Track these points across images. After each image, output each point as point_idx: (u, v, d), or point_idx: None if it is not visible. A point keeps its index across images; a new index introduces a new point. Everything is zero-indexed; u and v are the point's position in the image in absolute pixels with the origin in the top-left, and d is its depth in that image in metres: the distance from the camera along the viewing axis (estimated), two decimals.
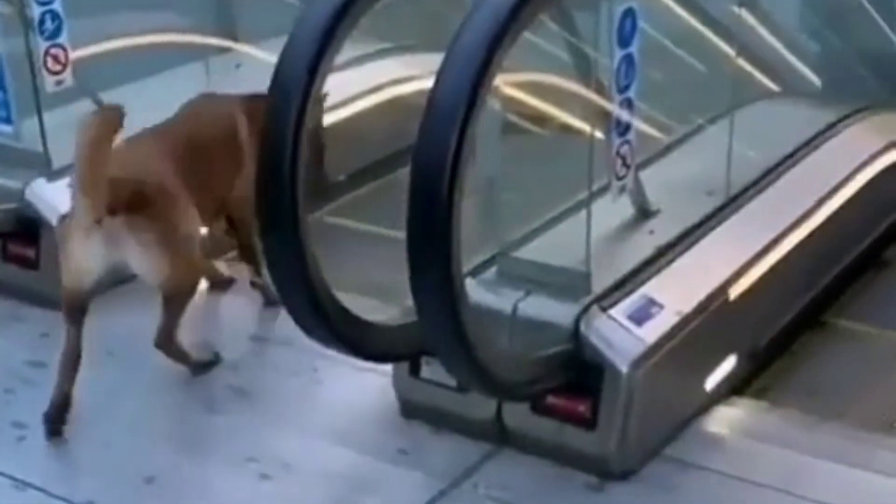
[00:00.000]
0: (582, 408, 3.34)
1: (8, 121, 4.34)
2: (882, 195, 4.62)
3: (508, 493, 3.35)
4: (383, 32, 5.06)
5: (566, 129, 3.92)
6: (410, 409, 3.63)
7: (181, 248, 3.70)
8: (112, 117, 3.51)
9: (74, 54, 4.51)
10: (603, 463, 3.38)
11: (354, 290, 3.41)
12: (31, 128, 4.32)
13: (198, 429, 3.69)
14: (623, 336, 3.37)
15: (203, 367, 3.88)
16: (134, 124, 4.18)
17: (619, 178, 3.57)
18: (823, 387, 3.90)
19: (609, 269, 3.52)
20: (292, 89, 3.08)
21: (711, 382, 3.67)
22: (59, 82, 4.48)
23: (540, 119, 4.06)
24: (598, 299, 3.43)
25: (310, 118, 3.11)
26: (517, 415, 3.44)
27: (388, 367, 3.63)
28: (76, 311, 3.60)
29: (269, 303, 4.11)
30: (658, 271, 3.61)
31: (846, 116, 4.74)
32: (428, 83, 2.91)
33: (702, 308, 3.56)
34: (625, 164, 3.57)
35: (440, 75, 2.88)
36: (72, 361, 3.60)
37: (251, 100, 3.94)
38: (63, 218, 3.65)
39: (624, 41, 3.40)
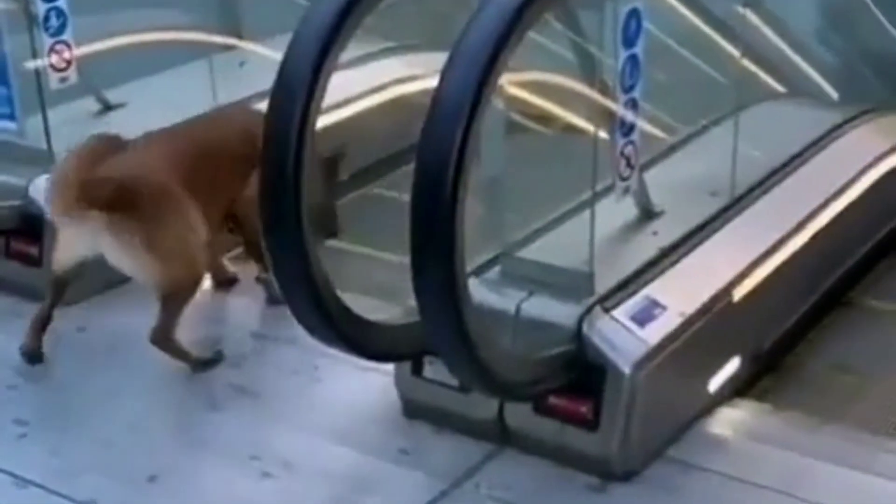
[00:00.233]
0: (584, 409, 3.34)
1: (12, 118, 4.34)
2: (887, 197, 4.61)
3: (510, 493, 3.35)
4: (387, 31, 5.05)
5: (570, 129, 3.92)
6: (412, 409, 3.63)
7: (172, 248, 3.73)
8: (104, 146, 3.79)
9: (79, 51, 4.51)
10: (605, 464, 3.37)
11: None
12: (35, 125, 4.32)
13: (199, 427, 3.69)
14: (626, 337, 3.36)
15: (204, 364, 3.88)
16: (137, 122, 4.21)
17: (623, 179, 3.56)
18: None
19: (612, 270, 3.52)
20: (297, 87, 3.08)
21: (714, 384, 3.67)
22: (63, 79, 4.48)
23: (544, 119, 4.06)
24: (602, 300, 3.42)
25: (334, 148, 3.18)
26: (519, 415, 3.44)
27: (390, 367, 3.62)
28: (55, 286, 3.90)
29: (272, 300, 4.11)
30: (661, 272, 3.60)
31: (852, 118, 4.74)
32: (432, 82, 2.91)
33: (705, 309, 3.55)
34: (629, 165, 3.56)
35: (445, 73, 2.88)
36: (39, 322, 3.92)
37: None
38: None
39: (629, 42, 3.40)
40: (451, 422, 3.55)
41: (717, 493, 3.35)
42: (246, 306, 4.28)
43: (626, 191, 3.61)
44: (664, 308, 3.47)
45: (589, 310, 3.38)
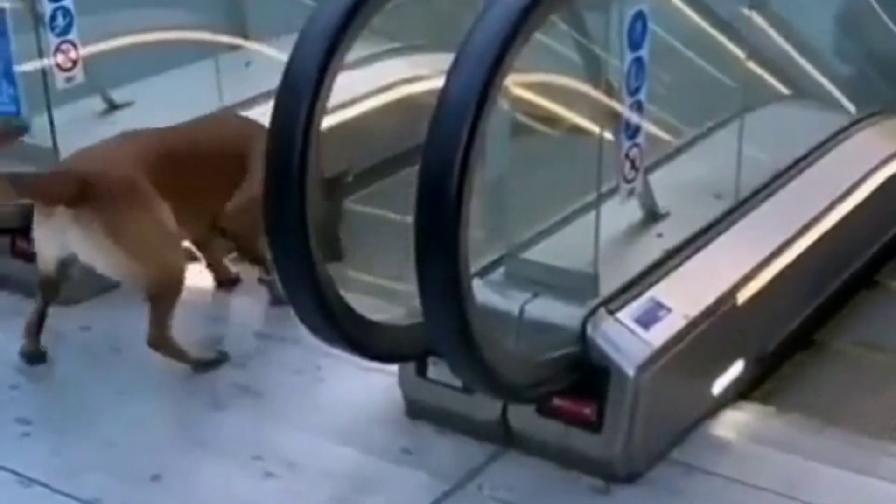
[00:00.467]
0: (588, 410, 3.34)
1: (18, 116, 4.34)
2: (893, 200, 4.60)
3: (513, 494, 3.35)
4: (393, 32, 5.06)
5: (575, 130, 3.92)
6: (416, 409, 3.62)
7: (138, 240, 3.69)
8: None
9: (85, 51, 4.52)
10: (608, 466, 3.37)
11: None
12: (41, 124, 4.32)
13: (202, 426, 3.69)
14: (630, 339, 3.36)
15: (207, 365, 3.87)
16: (143, 121, 4.21)
17: (628, 181, 3.56)
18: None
19: (617, 272, 3.51)
20: (302, 87, 3.08)
21: (719, 387, 3.66)
22: (69, 79, 4.49)
23: (550, 120, 4.05)
24: (606, 302, 3.42)
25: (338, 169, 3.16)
26: (523, 416, 3.44)
27: (393, 367, 3.62)
28: (43, 287, 3.88)
29: (276, 301, 4.11)
30: (666, 274, 3.60)
31: (858, 120, 4.73)
32: (437, 83, 2.91)
33: (710, 312, 3.55)
34: (634, 167, 3.56)
35: (451, 74, 2.88)
36: (34, 324, 3.90)
37: None
38: None
39: (634, 44, 3.40)
40: (455, 422, 3.55)
41: (721, 496, 3.35)
42: (249, 306, 4.28)
43: (631, 193, 3.61)
44: (669, 310, 3.46)
45: (593, 312, 3.38)
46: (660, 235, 3.75)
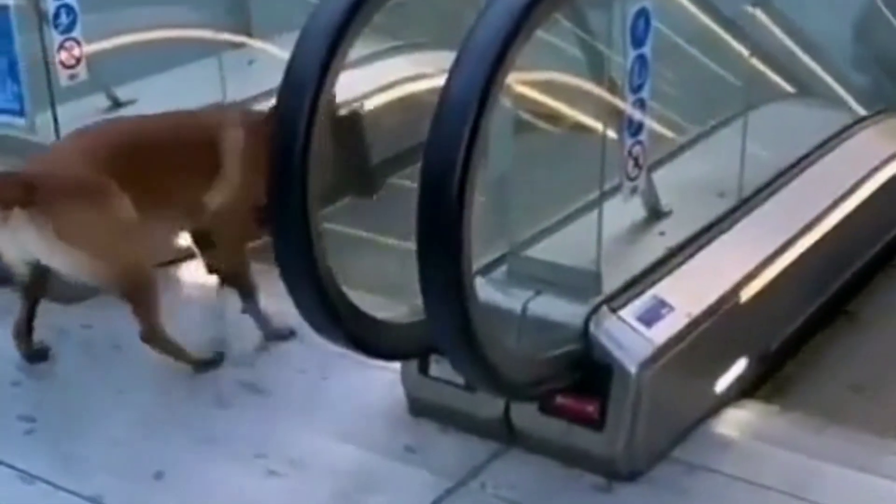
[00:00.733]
0: (590, 408, 3.33)
1: (21, 114, 4.35)
2: None
3: (515, 492, 3.35)
4: (395, 30, 5.05)
5: (578, 128, 3.92)
6: (419, 407, 3.62)
7: (91, 236, 3.63)
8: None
9: (88, 48, 4.52)
10: (610, 464, 3.37)
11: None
12: (44, 121, 4.32)
13: (205, 424, 3.68)
14: (632, 337, 3.36)
15: (205, 365, 3.86)
16: None
17: (631, 179, 3.56)
18: None
19: (619, 270, 3.51)
20: (304, 85, 3.08)
21: (721, 385, 3.66)
22: (72, 76, 4.50)
23: (552, 118, 4.05)
24: (608, 300, 3.42)
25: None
26: (525, 414, 3.44)
27: (396, 365, 3.62)
28: (24, 289, 3.84)
29: (269, 336, 3.99)
30: (669, 273, 3.60)
31: (862, 119, 4.72)
32: (439, 81, 2.91)
33: (712, 310, 3.55)
34: (637, 165, 3.56)
35: (453, 71, 2.87)
36: (22, 326, 3.88)
37: (259, 114, 3.88)
38: None
39: (637, 41, 3.39)
40: (458, 420, 3.55)
41: (723, 494, 3.35)
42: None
43: (634, 191, 3.60)
44: (671, 308, 3.46)
45: (596, 309, 3.38)
46: (662, 233, 3.75)
